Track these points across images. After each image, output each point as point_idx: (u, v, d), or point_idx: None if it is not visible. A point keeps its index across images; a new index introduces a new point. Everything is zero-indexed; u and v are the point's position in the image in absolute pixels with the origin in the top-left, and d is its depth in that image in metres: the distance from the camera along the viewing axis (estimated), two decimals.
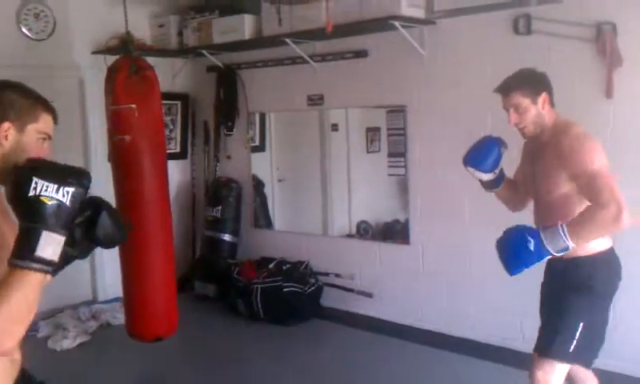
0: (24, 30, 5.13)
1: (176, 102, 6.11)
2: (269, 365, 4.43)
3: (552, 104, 2.69)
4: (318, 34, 4.77)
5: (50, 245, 1.35)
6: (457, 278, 4.48)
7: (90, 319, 5.17)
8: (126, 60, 3.91)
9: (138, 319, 4.12)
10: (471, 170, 2.83)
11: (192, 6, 5.87)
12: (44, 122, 1.63)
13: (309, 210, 5.84)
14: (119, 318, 4.89)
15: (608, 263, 2.68)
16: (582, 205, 2.54)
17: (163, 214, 3.89)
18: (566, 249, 2.40)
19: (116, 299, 5.13)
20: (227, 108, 5.91)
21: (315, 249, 5.43)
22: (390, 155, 4.99)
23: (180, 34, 5.78)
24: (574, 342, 2.56)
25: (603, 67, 3.68)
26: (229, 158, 6.05)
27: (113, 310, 5.25)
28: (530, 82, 2.67)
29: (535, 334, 3.96)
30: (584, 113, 3.78)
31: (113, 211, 1.58)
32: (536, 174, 2.75)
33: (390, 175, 5.16)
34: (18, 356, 1.63)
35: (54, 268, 1.37)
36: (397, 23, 4.32)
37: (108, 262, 5.16)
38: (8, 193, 1.45)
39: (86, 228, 1.53)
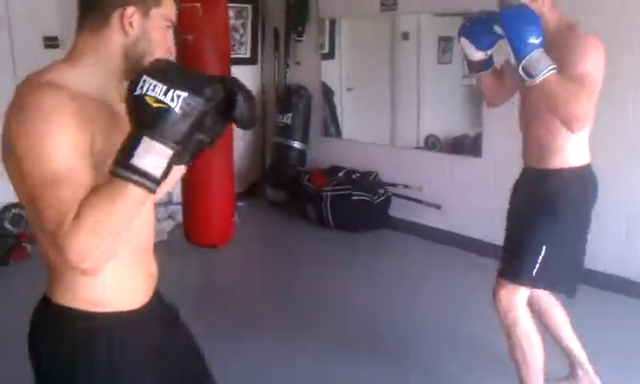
0: None
1: (246, 6, 6.03)
2: (336, 269, 4.56)
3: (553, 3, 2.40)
4: None
5: (150, 154, 1.12)
6: None
7: (167, 218, 5.41)
8: None
9: (193, 227, 4.21)
10: (465, 42, 2.47)
11: None
12: (168, 5, 1.40)
13: (377, 121, 5.77)
14: None
15: (581, 179, 2.49)
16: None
17: None
18: (531, 76, 2.15)
19: None
20: (297, 13, 5.82)
21: (383, 159, 5.42)
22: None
23: None
24: (537, 265, 2.44)
25: None
26: (298, 64, 6.02)
27: None
28: None
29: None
30: None
31: (247, 93, 1.32)
32: None
33: (464, 85, 5.04)
34: (154, 271, 1.54)
35: (153, 182, 1.14)
36: None
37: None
38: None
39: (220, 110, 1.28)
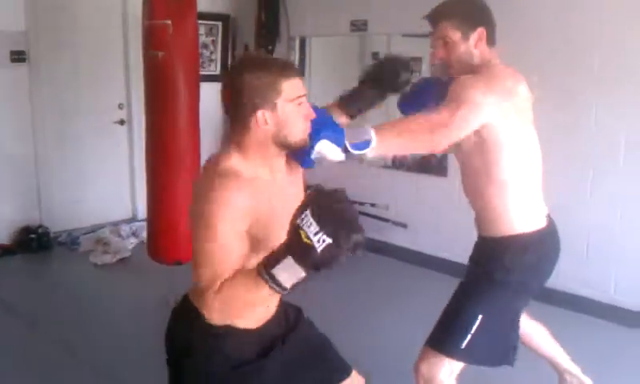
0: None
1: (217, 23, 6.02)
2: (300, 289, 4.49)
3: (491, 43, 2.15)
4: None
5: (288, 272, 1.40)
6: None
7: (130, 236, 5.31)
8: None
9: (158, 242, 4.18)
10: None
11: None
12: (289, 88, 1.58)
13: None
14: None
15: (534, 247, 2.19)
16: (503, 156, 2.09)
17: (192, 135, 3.91)
18: (367, 144, 1.85)
19: None
20: (268, 31, 5.82)
21: (350, 177, 5.40)
22: None
23: None
24: (469, 336, 2.13)
25: None
26: None
27: None
28: (465, 12, 2.13)
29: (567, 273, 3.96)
30: None
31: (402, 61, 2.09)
32: None
33: None
34: (272, 305, 1.82)
35: (282, 288, 1.43)
36: None
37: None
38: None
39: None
